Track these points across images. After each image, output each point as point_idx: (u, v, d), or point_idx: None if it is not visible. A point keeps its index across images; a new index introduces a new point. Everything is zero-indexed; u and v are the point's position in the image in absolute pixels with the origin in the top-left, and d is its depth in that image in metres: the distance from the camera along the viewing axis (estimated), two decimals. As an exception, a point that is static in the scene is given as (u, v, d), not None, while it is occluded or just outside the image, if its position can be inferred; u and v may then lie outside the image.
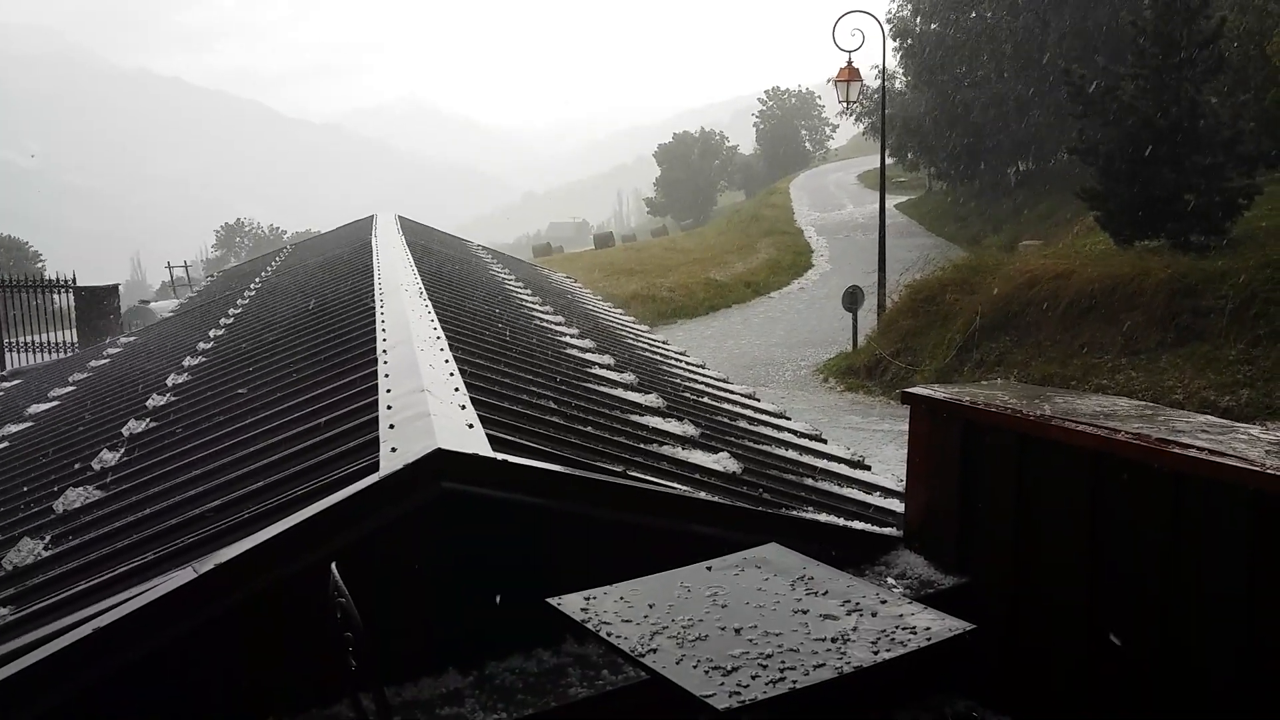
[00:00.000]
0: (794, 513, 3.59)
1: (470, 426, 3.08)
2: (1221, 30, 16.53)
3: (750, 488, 3.84)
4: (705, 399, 6.06)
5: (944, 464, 3.36)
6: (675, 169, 72.00)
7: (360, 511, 2.56)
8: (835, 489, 4.34)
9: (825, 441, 5.66)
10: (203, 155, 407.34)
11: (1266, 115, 17.19)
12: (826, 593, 2.30)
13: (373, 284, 6.94)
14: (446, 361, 4.18)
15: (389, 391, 3.59)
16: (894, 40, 36.36)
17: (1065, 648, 2.97)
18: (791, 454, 4.93)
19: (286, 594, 2.46)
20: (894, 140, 34.66)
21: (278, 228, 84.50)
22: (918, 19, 37.04)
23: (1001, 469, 3.16)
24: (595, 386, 5.18)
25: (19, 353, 17.62)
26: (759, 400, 6.89)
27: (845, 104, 24.37)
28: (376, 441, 3.03)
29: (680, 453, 4.07)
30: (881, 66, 26.44)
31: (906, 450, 3.55)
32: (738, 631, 2.11)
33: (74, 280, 18.73)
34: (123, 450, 4.52)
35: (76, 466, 4.50)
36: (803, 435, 5.63)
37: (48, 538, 3.49)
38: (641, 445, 4.04)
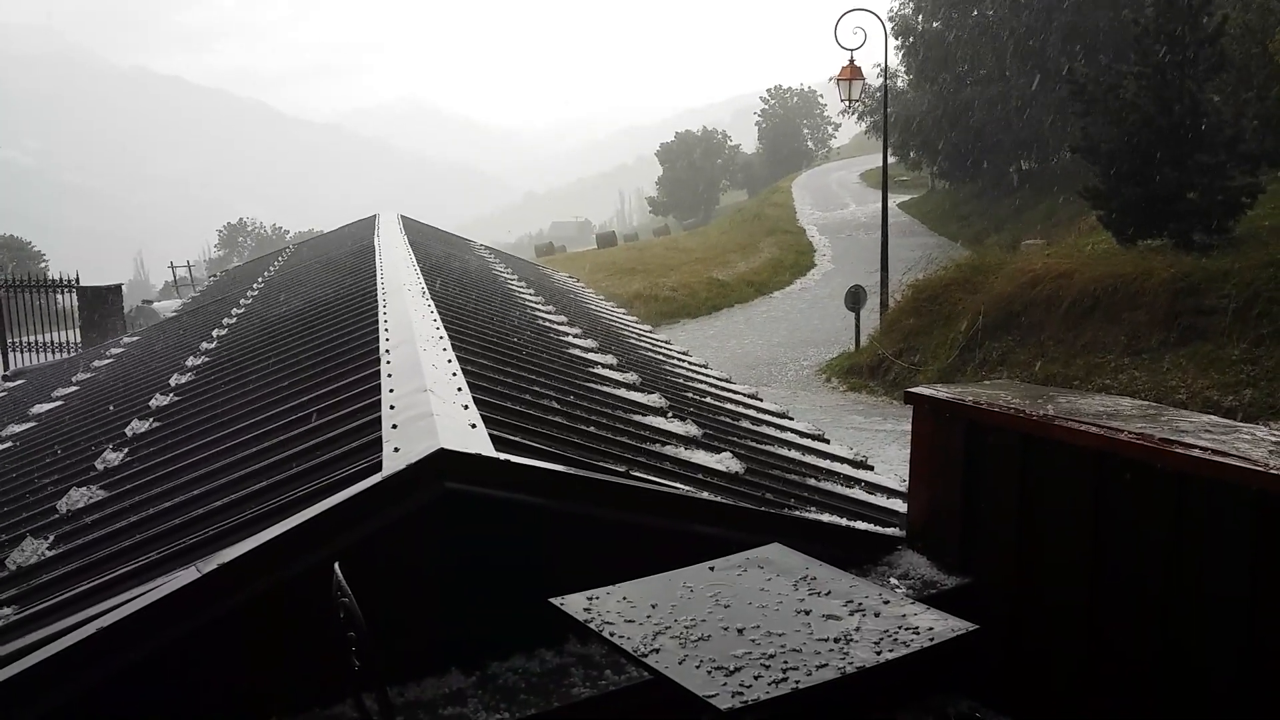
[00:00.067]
0: (797, 513, 3.59)
1: (473, 426, 3.08)
2: (1224, 28, 16.50)
3: (753, 488, 3.84)
4: (708, 399, 6.06)
5: (947, 464, 3.36)
6: (677, 168, 71.98)
7: (363, 511, 2.56)
8: (838, 489, 4.34)
9: (828, 441, 5.66)
10: (203, 155, 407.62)
11: (1269, 113, 17.17)
12: (829, 593, 2.30)
13: (375, 283, 6.94)
14: (449, 361, 4.18)
15: (392, 391, 3.59)
16: (896, 39, 36.31)
17: (1068, 648, 2.97)
18: (794, 454, 4.93)
19: (289, 594, 2.46)
20: (896, 139, 34.63)
21: (280, 227, 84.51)
22: (920, 17, 37.00)
23: (1004, 469, 3.16)
24: (598, 386, 5.18)
25: (22, 352, 17.65)
26: (761, 400, 6.89)
27: (847, 102, 24.36)
28: (379, 441, 3.03)
29: (683, 453, 4.07)
30: (883, 65, 26.43)
31: (909, 450, 3.54)
32: (740, 632, 2.11)
33: (77, 280, 18.75)
34: (126, 450, 4.53)
35: (80, 466, 4.50)
36: (805, 435, 5.63)
37: (51, 537, 3.50)
38: (644, 445, 4.04)
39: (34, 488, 4.42)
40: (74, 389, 7.60)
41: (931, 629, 2.10)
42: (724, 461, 4.04)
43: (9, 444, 5.88)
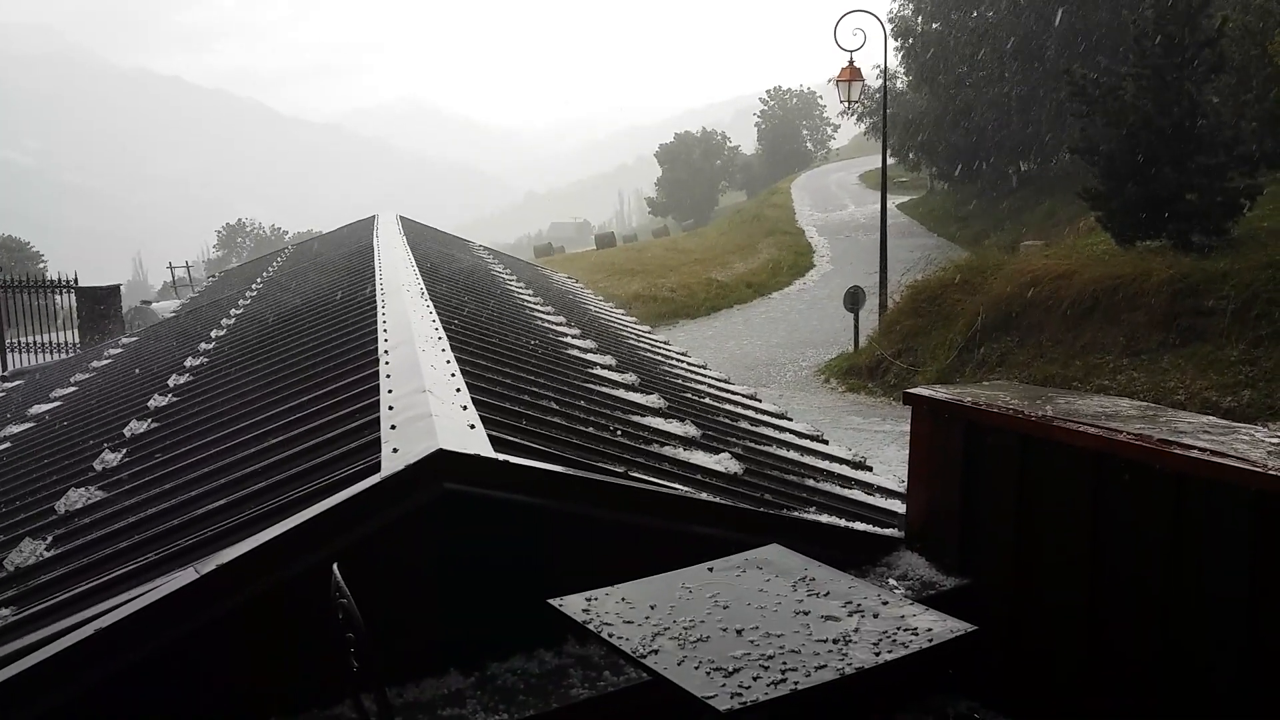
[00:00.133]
0: (795, 514, 3.59)
1: (472, 427, 3.08)
2: (1223, 30, 16.50)
3: (751, 489, 3.84)
4: (706, 399, 6.06)
5: (946, 465, 3.36)
6: (677, 169, 71.97)
7: (362, 512, 2.56)
8: (837, 490, 4.34)
9: (827, 442, 5.66)
10: (203, 155, 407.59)
11: (1268, 115, 17.16)
12: (828, 594, 2.30)
13: (374, 284, 6.94)
14: (448, 362, 4.18)
15: (390, 392, 3.59)
16: (895, 40, 36.30)
17: (1067, 649, 2.97)
18: (793, 455, 4.93)
19: (288, 595, 2.46)
20: (895, 140, 34.63)
21: (279, 228, 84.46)
22: (919, 19, 37.00)
23: (1003, 470, 3.16)
24: (596, 387, 5.18)
25: (21, 353, 17.63)
26: (760, 401, 6.89)
27: (847, 104, 24.37)
28: (378, 442, 3.03)
29: (681, 453, 4.07)
30: (883, 66, 26.40)
31: (908, 451, 3.54)
32: (739, 633, 2.11)
33: (76, 281, 18.73)
34: (124, 451, 4.53)
35: (78, 467, 4.50)
36: (804, 436, 5.63)
37: (49, 538, 3.50)
38: (643, 446, 4.04)
39: (32, 488, 4.41)
40: (72, 389, 7.59)
41: (930, 630, 2.10)
42: (723, 462, 4.04)
43: (7, 444, 5.87)
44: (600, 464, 3.31)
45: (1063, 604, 2.99)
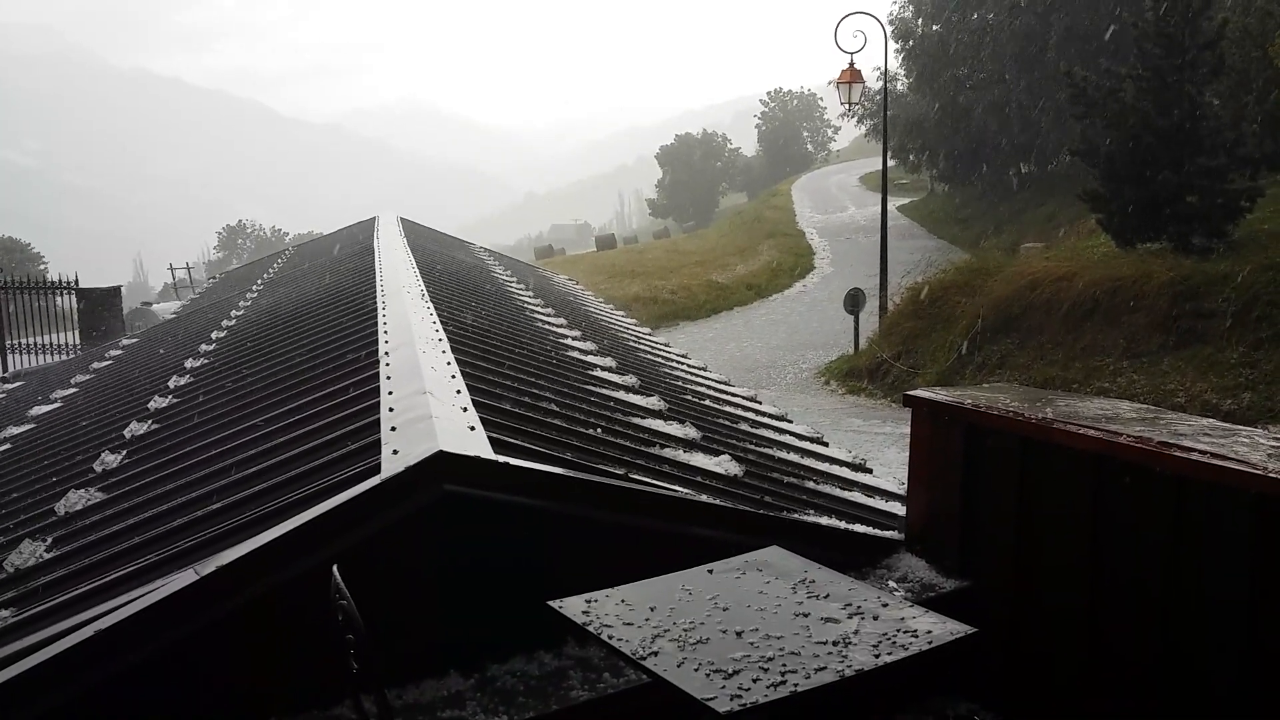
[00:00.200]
0: (795, 516, 3.59)
1: (472, 429, 3.08)
2: (1223, 32, 16.50)
3: (751, 490, 3.84)
4: (707, 401, 6.06)
5: (946, 467, 3.35)
6: (677, 170, 71.98)
7: (362, 514, 2.56)
8: (837, 492, 4.34)
9: (827, 444, 5.66)
10: (203, 155, 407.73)
11: (1268, 117, 17.16)
12: (828, 596, 2.30)
13: (375, 286, 6.94)
14: (448, 364, 4.18)
15: (391, 394, 3.59)
16: (896, 42, 36.32)
17: (1067, 651, 2.97)
18: (793, 457, 4.93)
19: (288, 596, 2.46)
20: (896, 142, 34.62)
21: (279, 229, 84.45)
22: (919, 20, 37.03)
23: (1003, 472, 3.16)
24: (597, 389, 5.18)
25: (21, 354, 17.62)
26: (760, 403, 6.89)
27: (847, 105, 24.39)
28: (378, 444, 3.03)
29: (681, 455, 4.07)
30: (883, 68, 26.42)
31: (908, 453, 3.54)
32: (739, 634, 2.11)
33: (76, 282, 18.73)
34: (125, 452, 4.53)
35: (78, 468, 4.50)
36: (804, 438, 5.63)
37: (49, 540, 3.50)
38: (643, 448, 4.04)
39: (32, 490, 4.41)
40: (73, 391, 7.59)
41: (930, 632, 2.10)
42: (723, 464, 4.04)
43: (7, 446, 5.87)
44: (600, 466, 3.31)
45: (1063, 606, 2.99)
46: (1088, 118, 18.02)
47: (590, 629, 2.15)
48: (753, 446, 4.89)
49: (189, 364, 6.54)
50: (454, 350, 4.57)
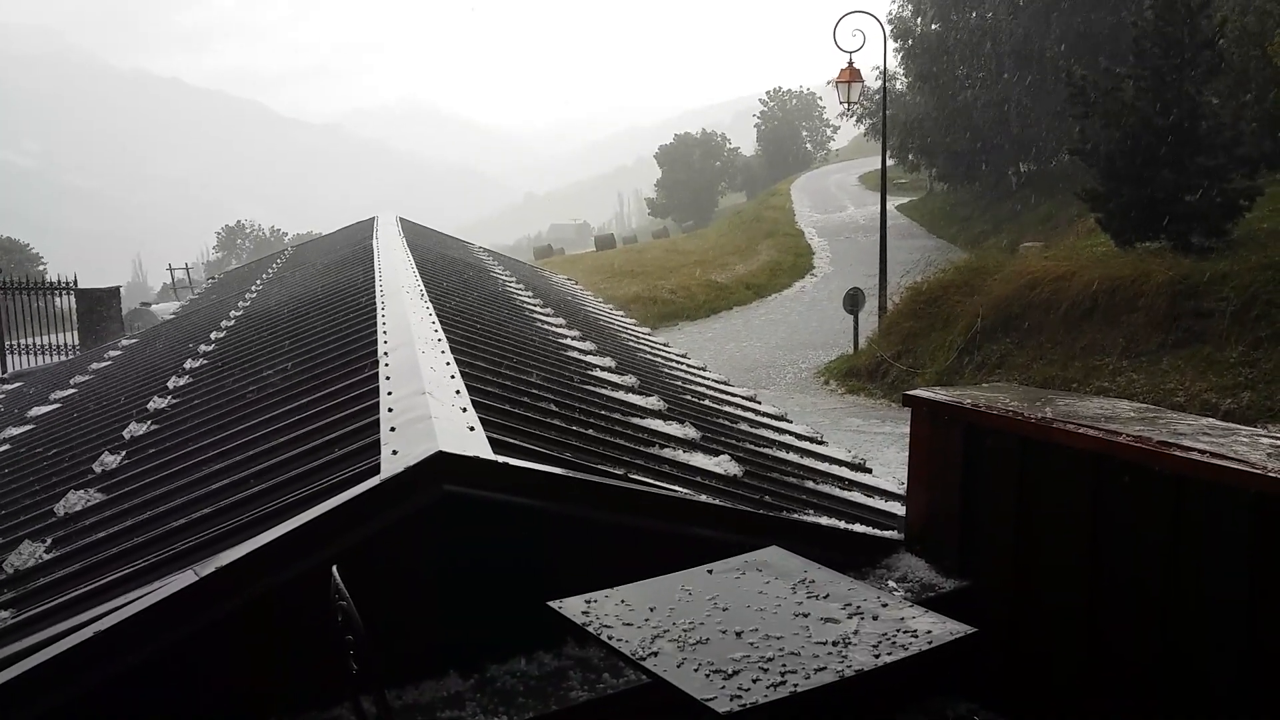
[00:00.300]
0: (795, 516, 3.59)
1: (471, 429, 3.08)
2: (1222, 31, 16.51)
3: (751, 490, 3.84)
4: (706, 401, 6.06)
5: (945, 467, 3.36)
6: (676, 170, 71.97)
7: (361, 514, 2.56)
8: (836, 492, 4.34)
9: (826, 444, 5.66)
10: (202, 155, 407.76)
11: (1267, 116, 17.18)
12: (828, 596, 2.30)
13: (374, 286, 6.94)
14: (448, 364, 4.18)
15: (390, 394, 3.59)
16: (895, 41, 36.35)
17: (1067, 651, 2.97)
18: (792, 457, 4.93)
19: (287, 597, 2.46)
20: (895, 141, 34.65)
21: (279, 229, 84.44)
22: (918, 20, 37.03)
23: (1003, 472, 3.16)
24: (596, 389, 5.18)
25: (20, 355, 17.62)
26: (760, 403, 6.89)
27: (846, 105, 24.38)
28: (378, 444, 3.03)
29: (681, 455, 4.07)
30: (882, 67, 26.43)
31: (908, 453, 3.54)
32: (739, 635, 2.11)
33: (75, 282, 18.73)
34: (124, 453, 4.53)
35: (78, 469, 4.50)
36: (804, 438, 5.63)
37: (49, 541, 3.50)
38: (642, 448, 4.04)
39: (31, 491, 4.41)
40: (72, 391, 7.59)
41: (930, 632, 2.10)
42: (722, 464, 4.04)
43: (7, 446, 5.87)
44: (600, 466, 3.31)
45: (1062, 606, 2.99)
46: (1087, 117, 18.02)
47: (590, 629, 2.15)
48: (752, 446, 4.89)
49: (188, 364, 6.53)
50: (453, 350, 4.57)
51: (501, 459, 2.77)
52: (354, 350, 4.96)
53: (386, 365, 4.17)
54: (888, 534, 3.62)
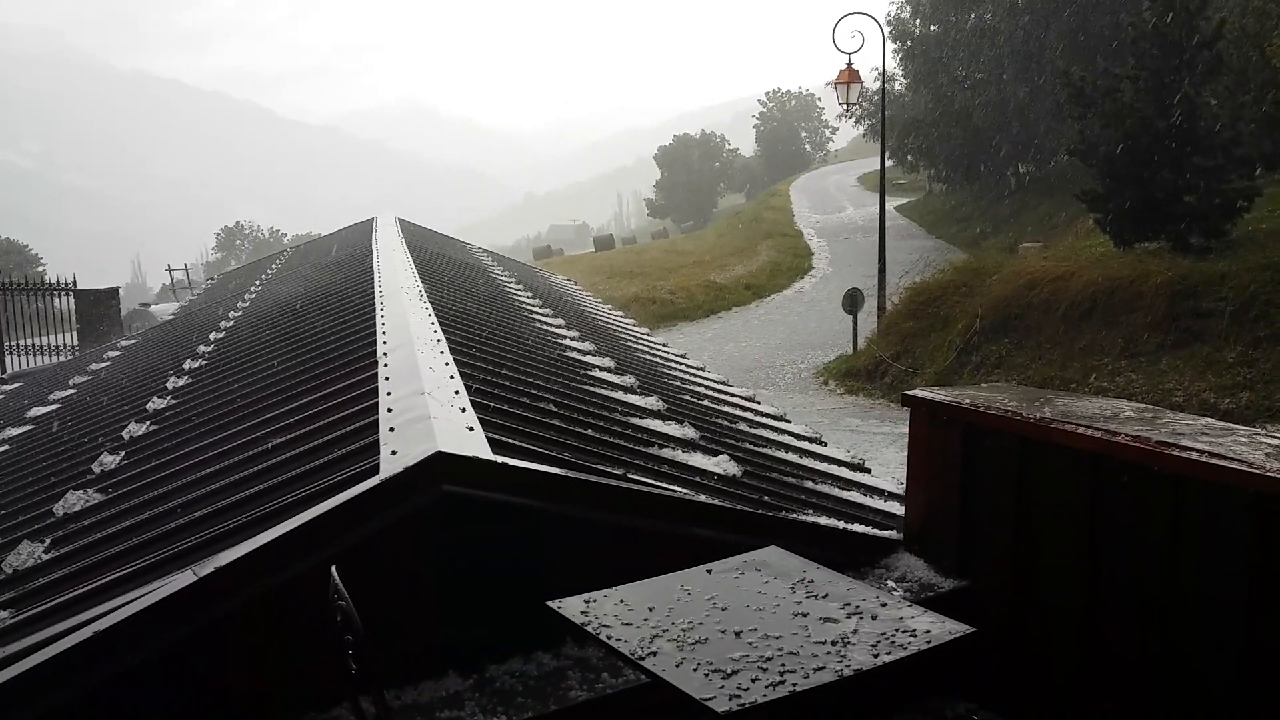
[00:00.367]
0: (794, 515, 3.59)
1: (470, 429, 3.08)
2: (1221, 32, 16.53)
3: (750, 490, 3.84)
4: (705, 402, 6.06)
5: (944, 467, 3.36)
6: (675, 171, 72.01)
7: (360, 514, 2.56)
8: (835, 492, 4.34)
9: (825, 444, 5.66)
10: (201, 156, 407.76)
11: (1266, 117, 17.19)
12: (827, 595, 2.30)
13: (373, 286, 6.94)
14: (447, 364, 4.18)
15: (389, 394, 3.59)
16: (894, 42, 36.40)
17: (1065, 650, 2.97)
18: (791, 457, 4.93)
19: (286, 597, 2.46)
20: (894, 142, 34.67)
21: (278, 230, 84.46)
22: (917, 21, 37.07)
23: (1002, 472, 3.16)
24: (595, 389, 5.18)
25: (19, 356, 17.61)
26: (759, 403, 6.89)
27: (845, 106, 24.39)
28: (377, 444, 3.03)
29: (680, 455, 4.07)
30: (881, 68, 26.47)
31: (907, 453, 3.55)
32: (738, 634, 2.11)
33: (74, 283, 18.72)
34: (123, 453, 4.52)
35: (77, 469, 4.50)
36: (803, 438, 5.63)
37: (48, 541, 3.49)
38: (641, 448, 4.04)
39: (31, 491, 4.41)
40: (71, 392, 7.59)
41: (929, 632, 2.10)
42: (721, 464, 4.04)
43: (6, 447, 5.87)
44: (599, 466, 3.31)
45: (1061, 606, 2.99)
46: (1086, 118, 18.04)
47: (589, 629, 2.15)
48: (751, 446, 4.89)
49: (187, 365, 6.53)
50: (452, 351, 4.57)
51: (501, 459, 2.77)
52: (353, 351, 4.96)
53: (386, 365, 4.16)
54: (887, 534, 3.62)
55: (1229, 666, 2.58)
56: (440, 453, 2.65)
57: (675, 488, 3.39)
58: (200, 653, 2.41)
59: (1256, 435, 2.82)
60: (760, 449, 4.91)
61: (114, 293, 19.79)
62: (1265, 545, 2.49)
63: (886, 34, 29.47)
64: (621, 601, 2.28)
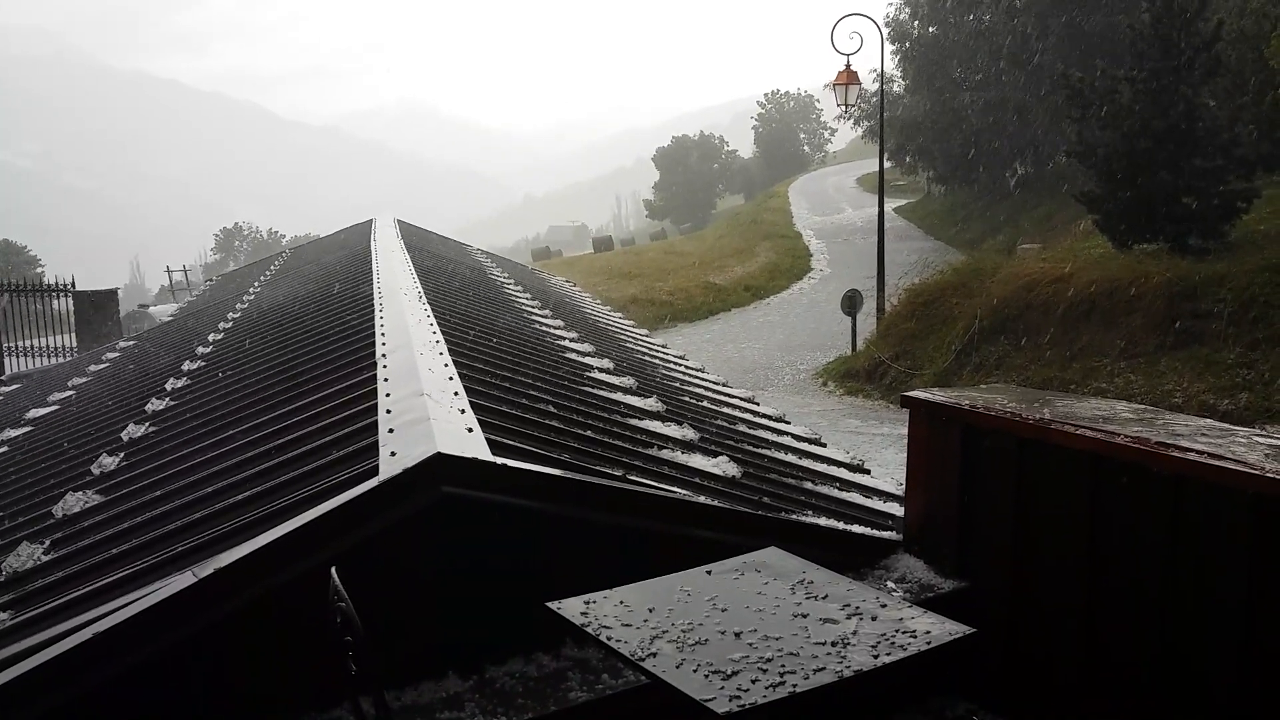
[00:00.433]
0: (794, 516, 3.59)
1: (469, 431, 3.08)
2: (1219, 33, 16.55)
3: (750, 491, 3.84)
4: (705, 403, 6.06)
5: (943, 468, 3.36)
6: (674, 172, 72.01)
7: (360, 516, 2.56)
8: (835, 493, 4.34)
9: (825, 445, 5.66)
10: (200, 157, 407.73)
11: (1265, 118, 17.21)
12: (826, 596, 2.30)
13: (372, 288, 6.94)
14: (446, 365, 4.18)
15: (388, 396, 3.59)
16: (892, 43, 36.42)
17: (1065, 651, 2.97)
18: (791, 458, 4.93)
19: (286, 598, 2.46)
20: (893, 144, 34.69)
21: (276, 231, 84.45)
22: (916, 22, 37.08)
23: (1001, 472, 3.17)
24: (594, 390, 5.18)
25: (18, 357, 17.60)
26: (758, 404, 6.89)
27: (844, 107, 24.42)
28: (376, 446, 3.03)
29: (679, 456, 4.07)
30: (880, 70, 26.50)
31: (906, 454, 3.55)
32: (737, 635, 2.11)
33: (73, 284, 18.71)
34: (122, 455, 4.52)
35: (76, 471, 4.50)
36: (802, 439, 5.63)
37: (47, 542, 3.49)
38: (641, 449, 4.04)
39: (30, 493, 4.41)
40: (70, 394, 7.58)
41: (929, 632, 2.10)
42: (721, 465, 4.04)
43: (5, 449, 5.86)
44: (598, 467, 3.31)
45: (1061, 606, 3.00)
46: (1084, 119, 18.06)
47: (589, 630, 2.15)
48: (750, 447, 4.89)
49: (186, 366, 6.53)
50: (451, 352, 4.57)
51: (500, 460, 2.77)
52: (352, 352, 4.96)
53: (385, 367, 4.16)
54: (886, 535, 3.62)
55: (1229, 667, 2.58)
56: (439, 454, 2.65)
57: (674, 489, 3.39)
58: (200, 654, 2.41)
59: (1256, 436, 2.82)
60: (760, 450, 4.91)
61: (113, 294, 19.80)
62: (1265, 546, 2.49)
63: (885, 35, 29.51)
64: (621, 603, 2.28)
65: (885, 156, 25.30)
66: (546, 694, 2.61)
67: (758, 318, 27.11)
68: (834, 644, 2.06)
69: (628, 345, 8.55)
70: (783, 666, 1.96)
